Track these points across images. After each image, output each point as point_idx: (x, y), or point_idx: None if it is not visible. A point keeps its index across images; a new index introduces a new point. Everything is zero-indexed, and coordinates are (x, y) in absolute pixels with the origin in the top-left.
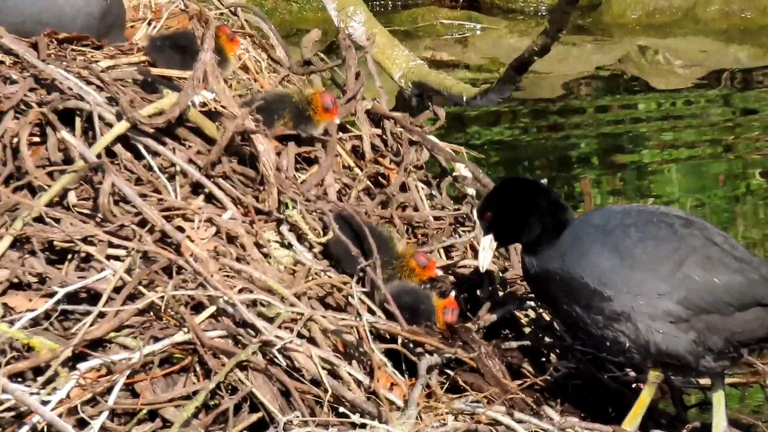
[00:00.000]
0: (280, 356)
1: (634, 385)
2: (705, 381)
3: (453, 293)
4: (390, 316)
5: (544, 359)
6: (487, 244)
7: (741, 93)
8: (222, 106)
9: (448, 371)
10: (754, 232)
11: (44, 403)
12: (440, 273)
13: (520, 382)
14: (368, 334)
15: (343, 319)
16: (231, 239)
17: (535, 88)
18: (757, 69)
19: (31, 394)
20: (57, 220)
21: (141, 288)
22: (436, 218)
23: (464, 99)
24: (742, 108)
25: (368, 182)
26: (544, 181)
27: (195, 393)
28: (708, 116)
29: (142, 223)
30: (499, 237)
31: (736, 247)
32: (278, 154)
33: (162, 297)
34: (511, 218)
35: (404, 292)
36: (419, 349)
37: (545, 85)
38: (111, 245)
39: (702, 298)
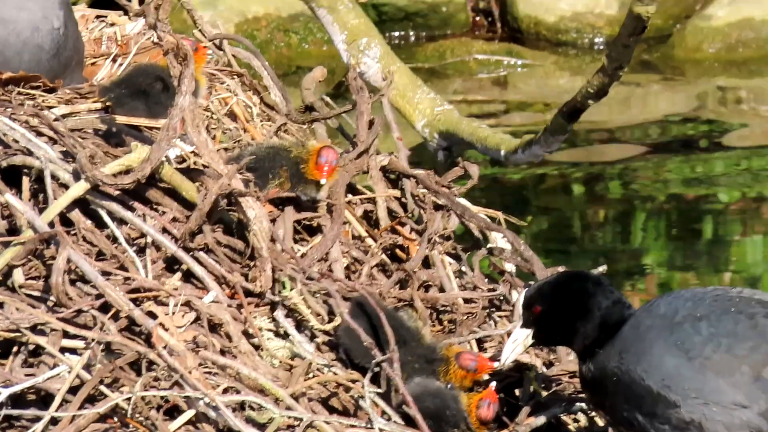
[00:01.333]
0: None
1: None
2: None
3: (493, 384)
4: (410, 422)
5: None
6: (521, 339)
7: None
8: (203, 163)
9: None
10: None
11: None
12: (503, 367)
13: None
14: None
15: (351, 426)
16: (214, 327)
17: (589, 139)
18: None
19: None
20: (0, 305)
21: (103, 388)
22: (466, 301)
23: (502, 153)
24: None
25: (383, 256)
26: (603, 268)
27: None
28: None
29: (105, 308)
30: (541, 337)
31: None
32: (273, 221)
33: (129, 399)
34: (563, 322)
35: (427, 394)
36: None
37: (601, 136)
38: (66, 335)
39: None
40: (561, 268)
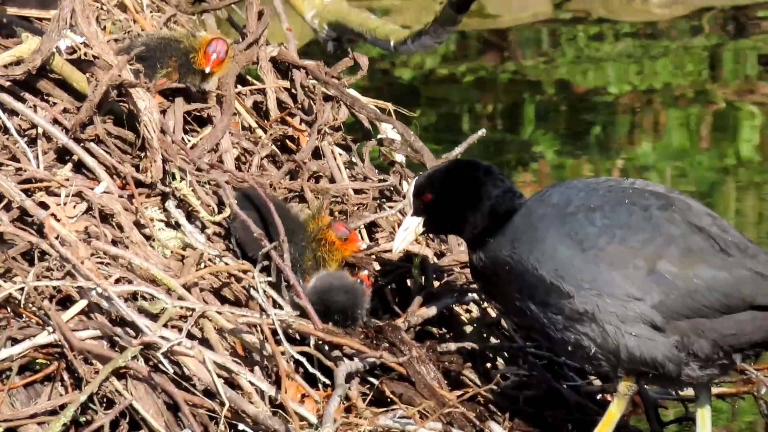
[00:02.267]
0: (166, 361)
1: (599, 397)
2: (687, 392)
3: (366, 272)
4: (303, 313)
5: (489, 365)
6: (412, 226)
7: (731, 37)
8: (94, 54)
9: (372, 380)
10: (748, 205)
11: None
12: (364, 246)
13: (459, 393)
14: (274, 333)
15: (243, 315)
16: (105, 218)
17: (480, 31)
18: (751, 6)
19: None
20: None
21: None
22: (356, 191)
23: (392, 44)
24: (731, 54)
25: (273, 147)
26: (482, 131)
27: (62, 407)
28: (689, 63)
29: None
30: (431, 225)
31: (727, 231)
32: (163, 112)
33: (21, 289)
34: (453, 210)
35: (339, 289)
36: (336, 353)
37: (493, 30)
38: None
39: (680, 302)
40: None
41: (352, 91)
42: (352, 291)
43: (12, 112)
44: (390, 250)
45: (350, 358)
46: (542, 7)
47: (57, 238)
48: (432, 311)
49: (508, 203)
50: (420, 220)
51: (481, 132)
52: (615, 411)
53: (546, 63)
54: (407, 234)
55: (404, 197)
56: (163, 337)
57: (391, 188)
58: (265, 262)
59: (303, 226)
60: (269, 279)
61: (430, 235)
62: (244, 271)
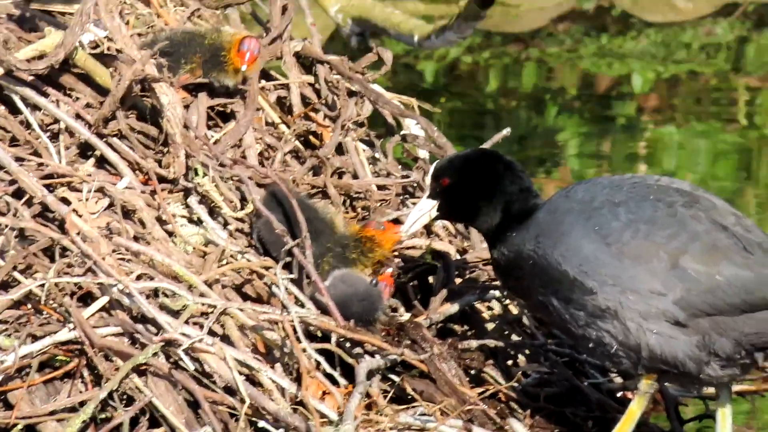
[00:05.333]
0: (186, 358)
1: (620, 395)
2: (707, 390)
3: (389, 270)
4: (324, 310)
5: (510, 362)
6: (426, 208)
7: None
8: (117, 48)
9: (393, 377)
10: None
11: None
12: (405, 234)
13: (480, 390)
14: (295, 331)
15: (264, 312)
16: (127, 214)
17: (504, 25)
18: None
19: None
20: None
21: (16, 274)
22: (380, 187)
23: (416, 39)
24: (756, 47)
25: (297, 143)
26: (507, 130)
27: (82, 404)
28: (716, 62)
29: (18, 194)
30: (445, 210)
31: (751, 231)
32: (186, 107)
33: (42, 285)
34: (468, 199)
35: (353, 297)
36: (358, 350)
37: (517, 22)
38: None
39: (702, 298)
40: None
41: (376, 87)
42: (368, 298)
43: (34, 107)
44: (413, 247)
45: (371, 355)
46: None
47: (78, 234)
48: (454, 308)
49: (522, 202)
50: (435, 203)
51: (506, 131)
52: (636, 409)
53: (569, 53)
54: (420, 215)
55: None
56: (184, 334)
57: (414, 184)
58: (288, 259)
59: (331, 227)
60: (291, 276)
61: (453, 231)
62: (266, 268)
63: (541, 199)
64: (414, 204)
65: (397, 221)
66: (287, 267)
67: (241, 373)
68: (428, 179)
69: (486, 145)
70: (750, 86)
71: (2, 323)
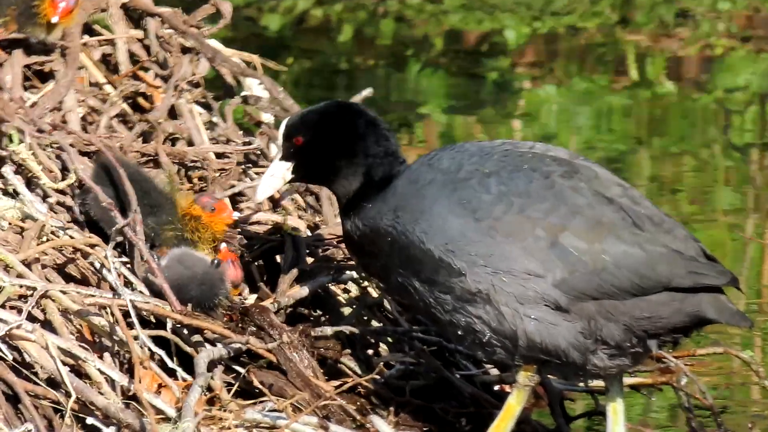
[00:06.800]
0: (3, 347)
1: (496, 388)
2: (597, 383)
3: (223, 245)
4: (159, 293)
5: (370, 351)
6: (279, 172)
7: None
8: None
9: (238, 368)
10: (665, 168)
11: None
12: (238, 216)
13: (337, 383)
14: (126, 316)
15: (91, 295)
16: None
17: None
18: None
19: None
20: None
21: None
22: (219, 155)
23: None
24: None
25: (124, 105)
26: (368, 90)
27: None
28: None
29: None
30: (301, 171)
31: (639, 203)
32: None
33: None
34: (326, 158)
35: (192, 282)
36: (197, 338)
37: None
38: None
39: (586, 280)
40: None
41: (214, 42)
42: (208, 281)
43: None
44: (258, 222)
45: (212, 343)
46: None
47: None
48: (305, 291)
49: (386, 167)
50: (289, 165)
51: (368, 91)
52: (514, 404)
53: (433, 4)
54: (274, 181)
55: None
56: (0, 320)
57: (258, 152)
58: (120, 238)
59: (172, 200)
60: (121, 258)
61: (303, 204)
62: (92, 246)
63: (406, 165)
64: (258, 175)
65: (234, 199)
66: (118, 245)
67: (65, 364)
68: (279, 138)
69: None
70: (640, 45)
71: None
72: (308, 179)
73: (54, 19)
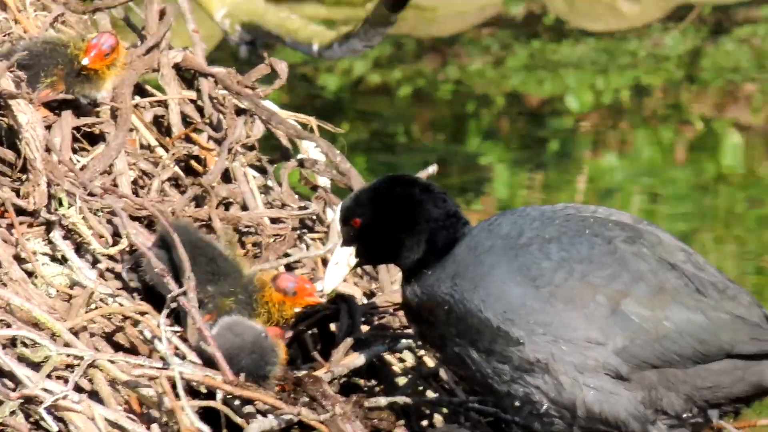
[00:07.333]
0: (49, 418)
1: None
2: None
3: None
4: (210, 362)
5: (425, 422)
6: (343, 259)
7: (712, 37)
8: None
9: None
10: (728, 234)
11: None
12: (321, 288)
13: None
14: (175, 386)
15: (140, 365)
16: None
17: (419, 31)
18: (737, 6)
19: None
20: None
21: None
22: (273, 220)
23: (315, 48)
24: (712, 57)
25: (176, 168)
26: (433, 168)
27: None
28: (663, 68)
29: None
30: (365, 254)
31: (703, 269)
32: (48, 128)
33: None
34: (388, 232)
35: (242, 352)
36: (248, 409)
37: (433, 27)
38: None
39: (648, 348)
40: None
41: (269, 104)
42: (259, 350)
43: None
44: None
45: (264, 414)
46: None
47: None
48: (360, 360)
49: (450, 229)
50: (351, 250)
51: (432, 168)
52: None
53: (495, 68)
54: (339, 269)
55: (328, 228)
56: (46, 390)
57: (314, 217)
58: (173, 305)
59: (238, 270)
60: (172, 327)
61: (359, 271)
62: (142, 313)
63: (470, 226)
64: (314, 240)
65: (295, 263)
66: (172, 313)
67: None
68: (336, 225)
69: None
70: (704, 117)
71: None
72: (373, 260)
73: (84, 61)
